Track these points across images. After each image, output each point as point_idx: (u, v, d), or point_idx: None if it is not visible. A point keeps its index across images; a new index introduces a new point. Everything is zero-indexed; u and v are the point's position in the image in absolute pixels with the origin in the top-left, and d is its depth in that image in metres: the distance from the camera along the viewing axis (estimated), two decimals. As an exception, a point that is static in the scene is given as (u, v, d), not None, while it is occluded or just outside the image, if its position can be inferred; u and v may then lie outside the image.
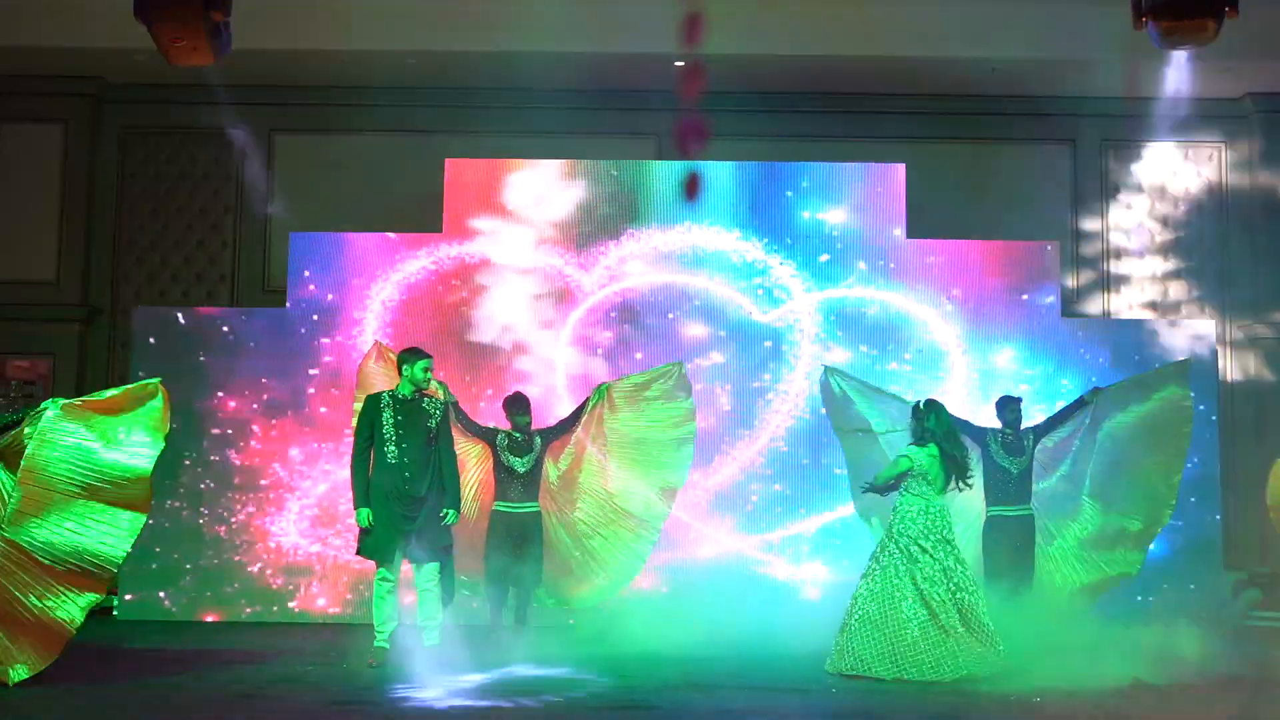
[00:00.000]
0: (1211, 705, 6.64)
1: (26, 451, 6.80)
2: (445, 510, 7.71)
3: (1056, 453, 8.91)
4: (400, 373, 7.81)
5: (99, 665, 7.55)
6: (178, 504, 9.86)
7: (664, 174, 10.40)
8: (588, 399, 8.99)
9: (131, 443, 7.02)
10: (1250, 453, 10.89)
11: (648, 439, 8.90)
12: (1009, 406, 8.79)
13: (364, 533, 7.68)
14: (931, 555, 7.40)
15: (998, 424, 8.73)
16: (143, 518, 7.02)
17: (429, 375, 7.80)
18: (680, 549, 9.87)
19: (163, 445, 7.12)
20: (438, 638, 7.72)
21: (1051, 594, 8.66)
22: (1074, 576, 8.86)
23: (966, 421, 8.69)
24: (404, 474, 7.62)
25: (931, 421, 7.70)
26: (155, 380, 7.27)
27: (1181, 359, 9.51)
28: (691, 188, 10.12)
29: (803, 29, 10.45)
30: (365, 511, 7.62)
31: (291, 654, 8.13)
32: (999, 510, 8.53)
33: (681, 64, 10.50)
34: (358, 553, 7.80)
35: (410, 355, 7.82)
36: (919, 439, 7.70)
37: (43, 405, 6.98)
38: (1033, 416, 9.06)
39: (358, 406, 7.99)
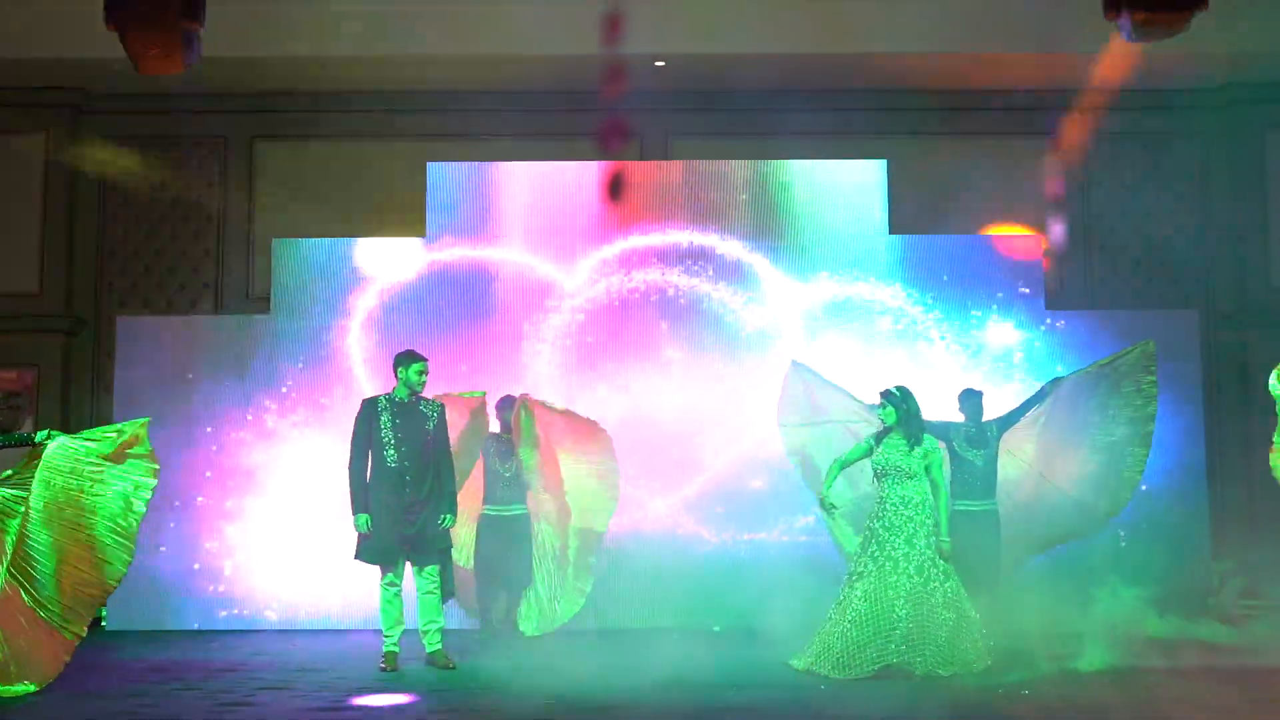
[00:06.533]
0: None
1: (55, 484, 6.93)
2: (443, 515, 7.72)
3: (1018, 438, 8.92)
4: (396, 376, 7.81)
5: (89, 675, 7.52)
6: (167, 512, 9.84)
7: (646, 175, 10.41)
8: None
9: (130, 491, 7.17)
10: (1236, 442, 10.93)
11: (576, 484, 8.91)
12: (970, 399, 8.84)
13: (363, 538, 7.68)
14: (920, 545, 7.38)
15: (959, 418, 8.78)
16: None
17: (424, 378, 7.79)
18: (667, 548, 9.88)
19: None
20: (439, 642, 7.72)
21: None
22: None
23: (927, 420, 8.70)
24: (404, 477, 7.62)
25: (915, 406, 7.61)
26: (141, 422, 7.33)
27: (1144, 341, 8.99)
28: (614, 187, 10.08)
29: (783, 26, 10.46)
30: (365, 517, 7.61)
31: (283, 661, 8.13)
32: (963, 505, 8.51)
33: (660, 64, 10.56)
34: (356, 557, 7.80)
35: (405, 358, 7.81)
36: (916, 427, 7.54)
37: (39, 435, 7.08)
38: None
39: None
